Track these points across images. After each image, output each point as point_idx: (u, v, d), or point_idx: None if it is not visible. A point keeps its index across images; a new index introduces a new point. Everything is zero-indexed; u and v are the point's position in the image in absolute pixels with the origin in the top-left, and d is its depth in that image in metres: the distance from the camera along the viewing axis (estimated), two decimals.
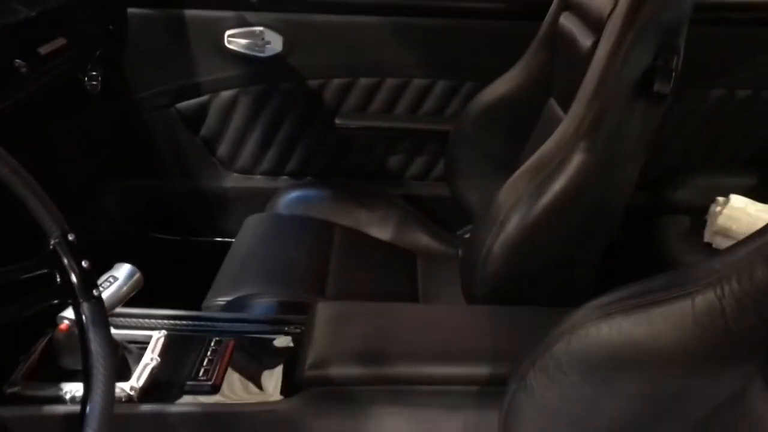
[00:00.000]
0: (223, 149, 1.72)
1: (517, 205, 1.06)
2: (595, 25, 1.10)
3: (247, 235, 1.47)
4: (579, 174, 1.03)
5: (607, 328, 0.74)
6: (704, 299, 0.70)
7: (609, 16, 1.05)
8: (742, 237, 1.49)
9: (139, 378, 0.92)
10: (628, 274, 1.33)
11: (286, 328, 1.03)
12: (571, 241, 1.10)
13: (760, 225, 1.54)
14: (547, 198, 1.03)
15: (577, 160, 1.03)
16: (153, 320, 1.04)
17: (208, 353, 0.98)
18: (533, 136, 1.39)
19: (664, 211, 1.64)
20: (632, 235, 1.60)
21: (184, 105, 1.64)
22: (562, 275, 1.13)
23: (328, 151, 1.73)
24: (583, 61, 1.10)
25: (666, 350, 0.72)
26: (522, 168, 1.09)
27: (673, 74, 1.01)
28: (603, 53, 1.03)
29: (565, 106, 1.20)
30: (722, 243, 1.46)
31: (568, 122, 1.06)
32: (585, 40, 1.13)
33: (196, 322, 1.05)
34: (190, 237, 1.76)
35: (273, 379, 0.96)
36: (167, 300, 1.08)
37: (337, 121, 1.66)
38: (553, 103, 1.34)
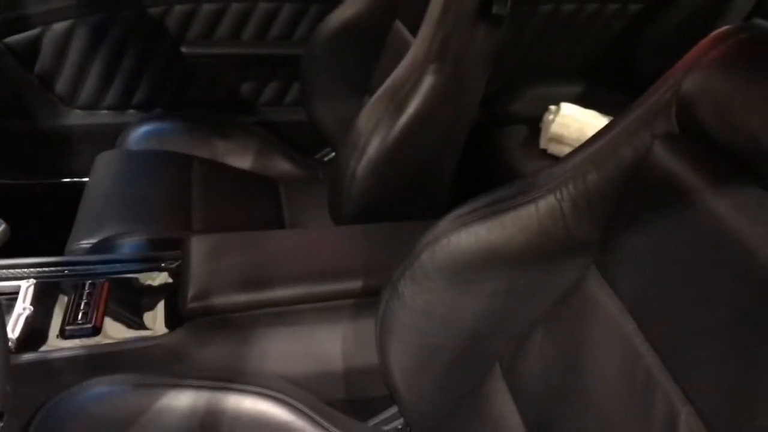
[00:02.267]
0: (61, 85, 1.62)
1: (376, 129, 1.11)
2: None
3: (101, 174, 1.43)
4: (431, 95, 1.10)
5: (465, 235, 0.83)
6: (546, 203, 0.81)
7: None
8: (573, 142, 1.65)
9: (14, 328, 0.91)
10: (477, 183, 1.46)
11: (162, 264, 1.04)
12: (428, 159, 1.18)
13: (588, 130, 1.71)
14: (403, 120, 1.10)
15: (428, 82, 1.10)
16: (19, 270, 1.01)
17: (83, 297, 0.98)
18: (382, 58, 1.44)
19: (503, 123, 1.77)
20: (476, 147, 1.72)
21: (13, 39, 1.52)
22: (423, 190, 1.22)
23: (176, 81, 1.68)
24: None
25: (517, 250, 0.82)
26: (378, 93, 1.15)
27: None
28: None
29: (413, 29, 1.25)
30: (556, 149, 1.61)
31: (417, 46, 1.12)
32: None
33: (66, 268, 1.03)
34: (36, 180, 1.67)
35: (155, 315, 0.98)
36: (25, 247, 1.05)
37: (182, 49, 1.62)
38: (399, 25, 1.39)
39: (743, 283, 0.58)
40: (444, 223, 0.86)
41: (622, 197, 0.76)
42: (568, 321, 0.79)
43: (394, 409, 1.00)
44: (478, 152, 1.73)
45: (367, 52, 1.47)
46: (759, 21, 1.64)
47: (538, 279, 0.83)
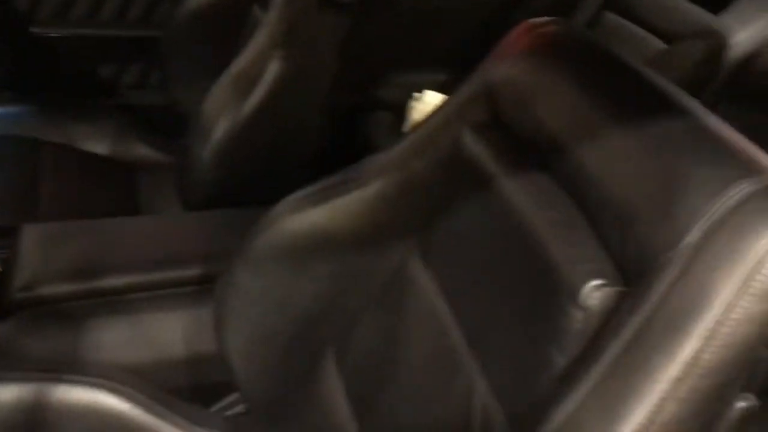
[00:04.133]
0: None
1: (222, 114, 1.11)
2: None
3: None
4: (277, 82, 1.10)
5: (298, 219, 0.85)
6: (374, 189, 0.83)
7: None
8: None
9: None
10: (339, 167, 1.47)
11: None
12: (278, 144, 1.18)
13: None
14: (249, 106, 1.10)
15: (273, 69, 1.10)
16: None
17: None
18: (241, 41, 1.43)
19: (371, 108, 1.79)
20: (343, 132, 1.74)
21: None
22: (275, 176, 1.22)
23: (29, 62, 1.61)
24: None
25: (347, 234, 0.85)
26: (223, 78, 1.14)
27: None
28: None
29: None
30: None
31: (262, 33, 1.12)
32: None
33: None
34: None
35: None
36: None
37: (33, 29, 1.55)
38: (256, 8, 1.38)
39: (527, 268, 0.62)
40: (279, 207, 0.87)
41: (441, 184, 0.79)
42: (392, 302, 0.82)
43: (237, 394, 1.01)
44: (346, 137, 1.75)
45: (226, 36, 1.45)
46: (609, 14, 1.73)
47: (368, 262, 0.85)
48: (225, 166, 1.12)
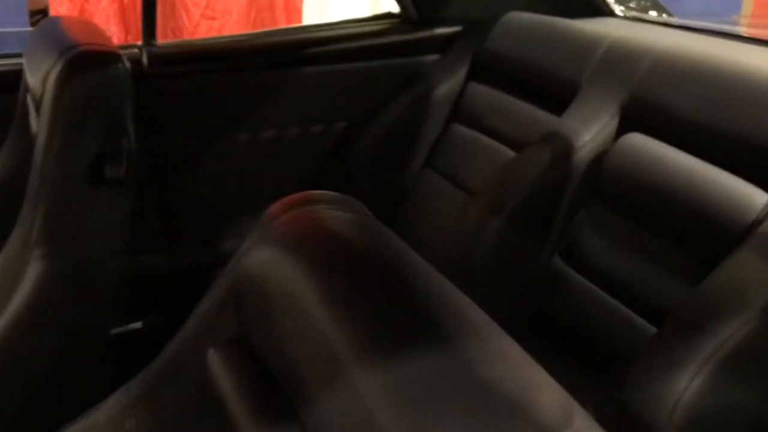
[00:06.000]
0: None
1: None
2: (37, 109, 0.98)
3: None
4: (42, 284, 0.90)
5: None
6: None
7: (41, 101, 0.93)
8: None
9: None
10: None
11: None
12: (59, 354, 0.97)
13: None
14: (5, 321, 0.89)
15: (35, 270, 0.90)
16: None
17: None
18: None
19: (221, 265, 1.60)
20: (192, 296, 1.54)
21: None
22: (63, 394, 0.99)
23: None
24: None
25: None
26: None
27: (126, 156, 0.94)
28: (41, 144, 0.92)
29: None
30: None
31: (18, 230, 0.93)
32: (34, 126, 1.01)
33: None
34: None
35: None
36: None
37: None
38: None
39: None
40: None
41: (195, 423, 0.60)
42: None
43: None
44: (194, 301, 1.54)
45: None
46: (457, 126, 1.62)
47: None
48: None
